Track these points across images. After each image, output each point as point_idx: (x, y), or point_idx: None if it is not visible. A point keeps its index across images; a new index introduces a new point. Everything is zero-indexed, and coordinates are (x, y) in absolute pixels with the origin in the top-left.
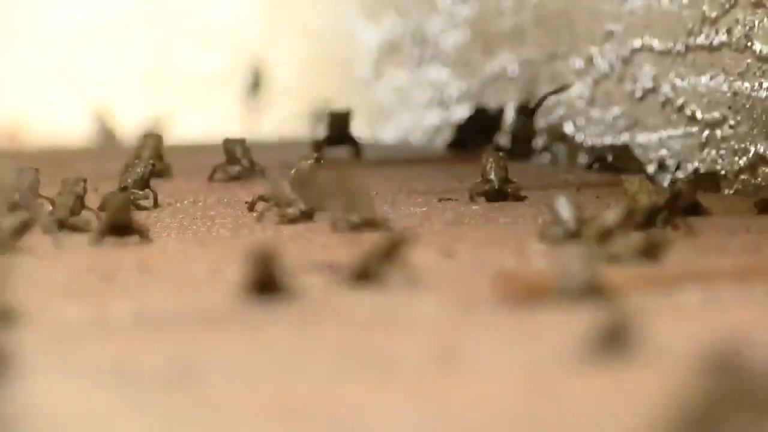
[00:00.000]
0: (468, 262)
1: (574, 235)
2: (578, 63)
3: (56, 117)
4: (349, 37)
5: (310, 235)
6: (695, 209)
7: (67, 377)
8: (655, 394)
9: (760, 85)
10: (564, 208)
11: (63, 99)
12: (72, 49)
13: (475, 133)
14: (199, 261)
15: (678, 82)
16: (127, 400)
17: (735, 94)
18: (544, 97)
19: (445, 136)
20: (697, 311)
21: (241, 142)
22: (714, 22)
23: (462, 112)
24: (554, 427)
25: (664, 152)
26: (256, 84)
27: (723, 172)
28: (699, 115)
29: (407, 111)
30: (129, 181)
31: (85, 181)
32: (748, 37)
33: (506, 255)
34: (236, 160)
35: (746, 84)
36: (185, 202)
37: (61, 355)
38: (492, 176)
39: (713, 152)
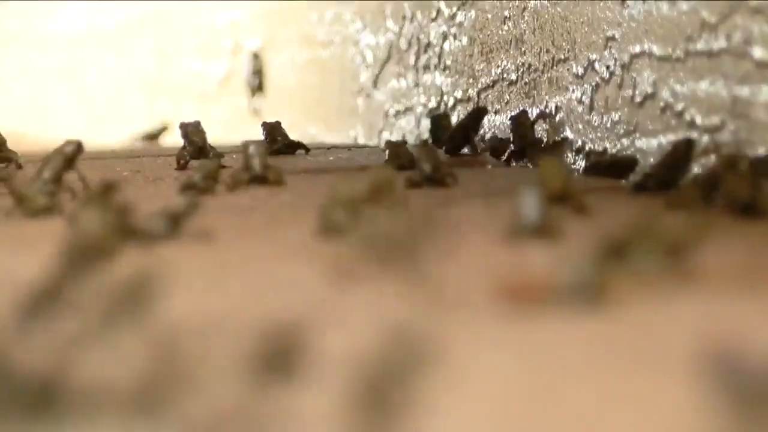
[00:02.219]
0: (466, 261)
1: (538, 231)
2: (578, 69)
3: (57, 122)
4: (350, 43)
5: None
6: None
7: None
8: (655, 395)
9: (759, 90)
10: (529, 204)
11: (64, 104)
12: (73, 55)
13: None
14: None
15: (677, 87)
16: None
17: (734, 99)
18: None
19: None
20: (696, 312)
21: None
22: (713, 28)
23: (461, 118)
24: (556, 430)
25: None
26: (257, 89)
27: None
28: (698, 120)
29: (407, 116)
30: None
31: None
32: (747, 43)
33: (506, 255)
34: (275, 140)
35: (745, 89)
36: None
37: None
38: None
39: (712, 157)
